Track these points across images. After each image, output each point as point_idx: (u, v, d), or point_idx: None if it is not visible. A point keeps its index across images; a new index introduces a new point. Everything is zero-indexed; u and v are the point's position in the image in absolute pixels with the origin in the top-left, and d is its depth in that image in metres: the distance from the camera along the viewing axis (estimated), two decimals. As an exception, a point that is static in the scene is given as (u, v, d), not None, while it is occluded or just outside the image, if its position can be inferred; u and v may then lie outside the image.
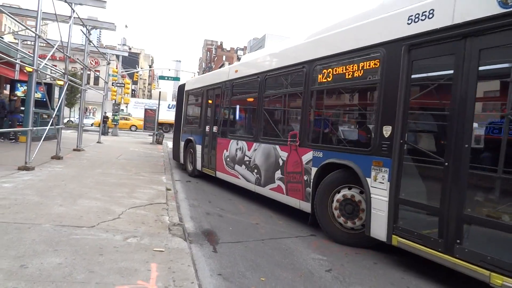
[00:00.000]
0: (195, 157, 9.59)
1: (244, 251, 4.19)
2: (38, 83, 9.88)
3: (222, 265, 3.70)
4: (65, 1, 9.86)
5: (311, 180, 5.20)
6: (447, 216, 3.41)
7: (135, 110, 39.40)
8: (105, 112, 25.22)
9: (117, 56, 32.29)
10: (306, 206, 5.33)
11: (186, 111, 11.02)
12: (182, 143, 10.87)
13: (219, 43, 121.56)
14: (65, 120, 33.71)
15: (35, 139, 9.33)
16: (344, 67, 4.83)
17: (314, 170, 5.16)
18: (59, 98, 11.20)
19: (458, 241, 3.31)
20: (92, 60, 42.79)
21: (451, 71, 3.50)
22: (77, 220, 4.33)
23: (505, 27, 3.09)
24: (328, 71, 5.11)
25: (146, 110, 23.13)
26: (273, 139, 6.35)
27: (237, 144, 7.47)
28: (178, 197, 6.83)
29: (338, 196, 4.73)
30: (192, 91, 10.65)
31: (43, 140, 9.04)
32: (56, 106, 10.45)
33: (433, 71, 4.04)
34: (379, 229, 4.07)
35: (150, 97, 63.42)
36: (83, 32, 12.37)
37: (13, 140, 12.76)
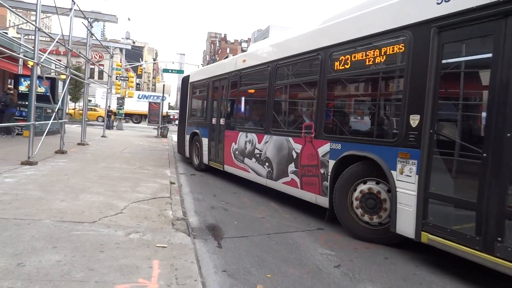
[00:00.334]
0: (202, 151, 9.38)
1: (249, 246, 4.07)
2: (41, 78, 9.79)
3: (226, 261, 3.59)
4: (66, -7, 9.72)
5: (329, 174, 4.93)
6: (486, 212, 3.14)
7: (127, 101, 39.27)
8: (109, 106, 25.21)
9: (121, 50, 32.16)
10: (323, 201, 5.08)
11: (191, 104, 10.76)
12: (187, 137, 10.61)
13: (222, 36, 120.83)
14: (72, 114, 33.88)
15: (39, 133, 9.27)
16: (364, 53, 4.52)
17: (331, 163, 4.90)
18: (62, 92, 11.13)
19: (499, 239, 3.05)
20: (96, 54, 42.75)
21: (489, 54, 3.21)
22: (78, 216, 4.23)
23: None
24: (346, 57, 4.80)
25: (150, 103, 23.05)
26: (286, 131, 6.09)
27: (246, 136, 7.23)
28: (182, 191, 6.73)
29: (359, 190, 4.47)
30: (196, 83, 10.37)
31: (47, 135, 8.96)
32: (59, 100, 10.33)
33: (467, 55, 3.72)
34: (406, 225, 3.81)
35: (154, 90, 63.40)
36: (84, 25, 12.23)
37: (10, 135, 12.63)
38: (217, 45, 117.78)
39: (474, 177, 3.30)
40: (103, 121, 29.03)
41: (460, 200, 3.51)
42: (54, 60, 14.85)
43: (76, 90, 30.68)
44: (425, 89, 3.69)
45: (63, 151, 9.46)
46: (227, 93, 8.30)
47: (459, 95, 3.72)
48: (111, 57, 18.44)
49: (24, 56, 13.52)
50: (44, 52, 9.55)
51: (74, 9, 10.34)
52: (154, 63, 74.80)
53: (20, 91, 13.77)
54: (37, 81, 11.76)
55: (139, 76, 66.60)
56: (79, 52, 12.57)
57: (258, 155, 6.76)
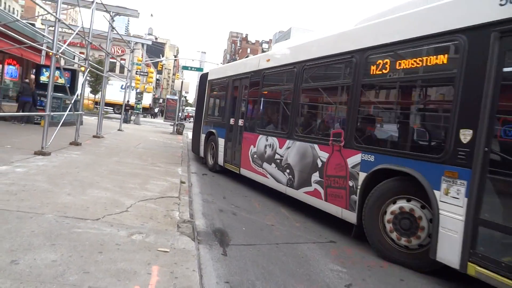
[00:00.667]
0: (217, 151, 9.04)
1: (256, 255, 3.87)
2: (60, 68, 9.84)
3: (230, 271, 3.39)
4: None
5: (358, 187, 4.53)
6: None
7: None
8: (128, 101, 25.44)
9: (142, 45, 32.49)
10: (349, 216, 4.69)
11: (209, 102, 10.47)
12: (203, 136, 10.30)
13: (244, 36, 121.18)
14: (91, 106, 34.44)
15: (56, 124, 9.30)
16: (407, 57, 4.14)
17: (362, 175, 4.50)
18: (82, 84, 11.19)
19: None
20: (118, 49, 43.36)
21: None
22: (82, 212, 4.11)
23: None
24: (384, 61, 4.41)
25: (167, 99, 23.10)
26: (311, 137, 5.72)
27: (267, 140, 6.86)
28: (191, 191, 6.57)
29: (393, 208, 4.07)
30: (215, 81, 10.07)
31: (64, 126, 9.00)
32: (77, 92, 10.37)
33: None
34: (449, 253, 3.40)
35: (173, 87, 63.91)
36: (106, 19, 12.28)
37: (23, 124, 12.77)
38: (238, 44, 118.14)
39: None
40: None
41: None
42: (75, 52, 15.02)
43: (97, 82, 31.10)
44: (480, 101, 3.29)
45: (78, 143, 9.47)
46: (247, 93, 7.98)
47: None
48: (132, 51, 18.54)
49: (47, 47, 13.71)
50: (64, 44, 9.60)
51: (96, 2, 10.36)
52: (175, 59, 75.48)
53: (41, 81, 13.95)
54: (58, 72, 11.92)
55: (159, 72, 67.31)
56: (99, 45, 12.61)
57: (278, 161, 6.40)
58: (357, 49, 4.87)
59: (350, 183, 4.70)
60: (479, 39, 3.40)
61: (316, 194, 5.36)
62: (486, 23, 3.34)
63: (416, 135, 4.28)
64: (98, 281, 2.60)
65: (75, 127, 9.89)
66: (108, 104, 35.81)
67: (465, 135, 3.41)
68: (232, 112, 8.66)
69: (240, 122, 8.07)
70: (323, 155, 5.27)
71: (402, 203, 4.01)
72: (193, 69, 29.23)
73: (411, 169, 3.87)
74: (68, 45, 9.38)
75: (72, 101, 9.27)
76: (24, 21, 11.88)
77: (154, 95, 64.09)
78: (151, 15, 44.46)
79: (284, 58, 6.81)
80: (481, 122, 3.28)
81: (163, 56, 59.29)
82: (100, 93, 30.93)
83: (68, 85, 10.59)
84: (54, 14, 7.75)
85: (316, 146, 5.46)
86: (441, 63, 3.78)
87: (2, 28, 6.88)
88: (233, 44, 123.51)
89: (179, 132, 20.18)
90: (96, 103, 25.90)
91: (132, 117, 26.12)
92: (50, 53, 7.69)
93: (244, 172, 7.68)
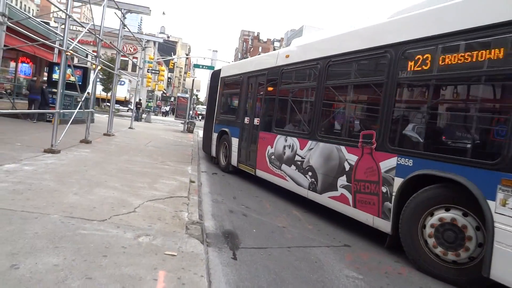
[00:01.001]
0: (230, 151, 8.70)
1: (267, 260, 3.69)
2: (71, 66, 9.82)
3: (240, 276, 3.22)
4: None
5: (393, 193, 4.17)
6: None
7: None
8: (139, 99, 25.54)
9: (154, 43, 32.57)
10: (382, 224, 4.32)
11: (221, 100, 10.10)
12: (215, 135, 9.89)
13: (255, 34, 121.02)
14: (103, 105, 34.79)
15: (67, 122, 9.28)
16: (454, 51, 3.72)
17: (398, 181, 4.12)
18: (93, 82, 11.18)
19: None
20: (130, 47, 43.63)
21: None
22: (88, 212, 4.00)
23: None
24: (425, 56, 4.00)
25: (178, 97, 23.08)
26: (337, 138, 5.36)
27: (286, 140, 6.49)
28: (201, 191, 6.43)
29: (435, 219, 3.71)
30: (228, 78, 9.68)
31: (76, 124, 8.98)
32: (87, 89, 10.34)
33: None
34: (505, 271, 3.05)
35: (184, 85, 64.13)
36: (117, 16, 12.24)
37: (34, 121, 12.83)
38: (250, 43, 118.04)
39: None
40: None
41: None
42: (87, 51, 15.06)
43: (109, 81, 31.32)
44: None
45: (88, 140, 9.44)
46: (264, 91, 7.57)
47: None
48: (143, 49, 18.55)
49: (59, 45, 13.76)
50: (78, 42, 9.57)
51: (107, -1, 10.30)
52: (186, 58, 75.77)
53: (53, 79, 14.01)
54: (70, 70, 11.94)
55: (171, 71, 67.67)
56: (110, 42, 12.59)
57: (299, 163, 6.03)
58: (391, 43, 4.47)
59: (384, 189, 4.33)
60: None
61: (342, 200, 5.00)
62: None
63: (466, 138, 3.85)
64: (101, 287, 2.46)
65: (86, 125, 9.87)
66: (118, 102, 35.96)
67: None
68: (246, 111, 8.34)
69: (256, 121, 7.74)
70: (351, 158, 4.90)
71: (444, 213, 3.65)
72: (204, 67, 29.20)
73: (459, 176, 3.48)
74: (81, 43, 9.37)
75: (83, 99, 9.22)
76: (37, 19, 11.92)
77: (165, 93, 64.42)
78: (163, 13, 44.59)
79: (305, 54, 6.39)
80: None
81: (174, 55, 59.50)
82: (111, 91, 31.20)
83: (80, 83, 10.58)
84: (65, 10, 7.70)
85: (343, 148, 5.09)
86: (497, 58, 3.35)
87: (14, 26, 6.85)
88: (244, 43, 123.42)
89: (189, 130, 20.13)
90: (105, 100, 25.96)
91: (144, 115, 26.22)
92: (62, 51, 7.65)
93: (260, 173, 7.34)
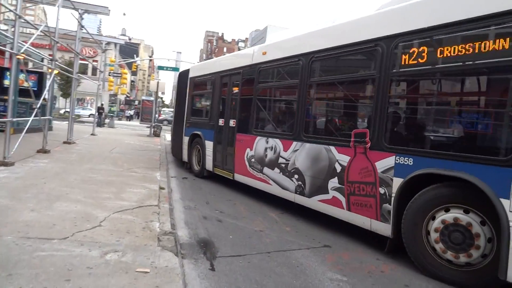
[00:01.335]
0: (205, 156, 8.22)
1: (247, 268, 3.50)
2: (28, 71, 9.15)
3: (220, 289, 3.01)
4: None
5: (392, 195, 3.93)
6: None
7: None
8: (101, 104, 24.53)
9: (115, 45, 31.43)
10: (382, 228, 4.09)
11: (191, 102, 9.58)
12: (186, 138, 9.34)
13: (220, 35, 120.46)
14: (62, 111, 33.11)
15: (21, 131, 8.61)
16: (454, 43, 3.50)
17: (397, 181, 3.89)
18: (49, 87, 10.48)
19: None
20: (90, 50, 41.85)
21: None
22: (47, 230, 3.63)
23: None
24: (421, 49, 3.78)
25: (143, 100, 22.36)
26: (325, 138, 5.07)
27: (267, 142, 6.14)
28: (172, 198, 6.13)
29: (440, 220, 3.51)
30: (199, 78, 9.12)
31: (32, 133, 8.35)
32: (43, 95, 9.67)
33: None
34: None
35: (148, 88, 62.56)
36: (74, 17, 11.57)
37: None
38: (214, 44, 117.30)
39: None
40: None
41: None
42: (43, 55, 14.13)
43: (68, 86, 29.84)
44: None
45: (46, 150, 8.81)
46: (240, 90, 7.18)
47: None
48: (103, 52, 17.76)
49: (11, 48, 12.83)
50: (32, 46, 8.91)
51: (62, -1, 9.68)
52: (150, 59, 73.90)
53: (5, 85, 13.06)
54: (23, 75, 11.14)
55: (134, 73, 65.68)
56: (67, 45, 11.88)
57: (283, 165, 5.70)
58: (382, 36, 4.21)
59: (381, 190, 4.10)
60: None
61: (335, 203, 4.73)
62: None
63: (473, 133, 3.59)
64: (63, 319, 2.17)
65: (43, 134, 9.20)
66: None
67: None
68: (221, 112, 7.87)
69: (232, 122, 7.31)
70: (343, 159, 4.63)
71: (450, 214, 3.45)
72: (169, 69, 28.52)
73: (467, 174, 3.29)
74: (35, 46, 8.74)
75: (38, 106, 8.59)
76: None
77: (129, 96, 62.54)
78: (124, 14, 43.26)
79: (284, 50, 6.05)
80: None
81: (137, 57, 57.80)
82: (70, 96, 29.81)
83: (35, 89, 9.89)
84: (15, 11, 7.10)
85: (332, 148, 4.81)
86: (502, 48, 3.17)
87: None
88: (209, 44, 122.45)
89: (156, 134, 19.53)
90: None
91: (106, 120, 25.18)
92: (20, 56, 7.08)
93: (240, 178, 6.94)
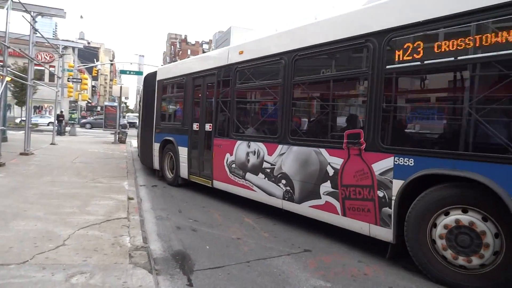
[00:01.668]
0: (178, 163, 7.79)
1: (227, 281, 3.32)
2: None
3: (201, 307, 2.81)
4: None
5: (392, 198, 3.74)
6: None
7: None
8: (61, 111, 23.35)
9: (73, 49, 30.06)
10: (382, 233, 3.87)
11: (160, 106, 9.00)
12: (156, 145, 8.82)
13: (183, 37, 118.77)
14: (17, 120, 31.20)
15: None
16: (452, 37, 3.34)
17: (397, 183, 3.69)
18: (1, 95, 9.72)
19: None
20: (46, 55, 39.76)
21: None
22: (3, 254, 3.27)
23: None
24: (417, 44, 3.58)
25: (106, 106, 21.48)
26: (314, 140, 4.82)
27: (248, 146, 5.81)
28: (142, 208, 5.81)
29: (444, 224, 3.34)
30: (168, 81, 8.63)
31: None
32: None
33: None
34: None
35: (111, 93, 60.48)
36: (26, 20, 10.83)
37: None
38: (178, 46, 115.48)
39: None
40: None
41: None
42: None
43: (23, 93, 28.16)
44: None
45: (0, 163, 8.16)
46: (216, 93, 6.76)
47: None
48: (60, 56, 16.86)
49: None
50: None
51: (12, 1, 9.02)
52: (111, 63, 71.56)
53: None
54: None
55: (95, 78, 63.30)
56: (20, 50, 11.12)
57: (268, 170, 5.41)
58: (373, 31, 4.00)
59: (380, 194, 3.89)
60: None
61: (328, 208, 4.48)
62: None
63: (481, 130, 3.30)
64: None
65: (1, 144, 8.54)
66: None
67: None
68: (195, 116, 7.48)
69: (208, 127, 6.90)
70: (335, 161, 4.39)
71: (459, 215, 3.29)
72: (132, 73, 27.69)
73: (475, 174, 3.11)
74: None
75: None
76: None
77: (90, 102, 60.18)
78: (81, 17, 41.54)
79: (264, 49, 5.75)
80: None
81: (97, 61, 55.70)
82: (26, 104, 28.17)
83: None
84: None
85: (323, 150, 4.56)
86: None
87: None
88: (172, 46, 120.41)
89: (121, 140, 18.80)
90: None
91: (67, 128, 23.98)
92: None
93: (220, 185, 6.55)
